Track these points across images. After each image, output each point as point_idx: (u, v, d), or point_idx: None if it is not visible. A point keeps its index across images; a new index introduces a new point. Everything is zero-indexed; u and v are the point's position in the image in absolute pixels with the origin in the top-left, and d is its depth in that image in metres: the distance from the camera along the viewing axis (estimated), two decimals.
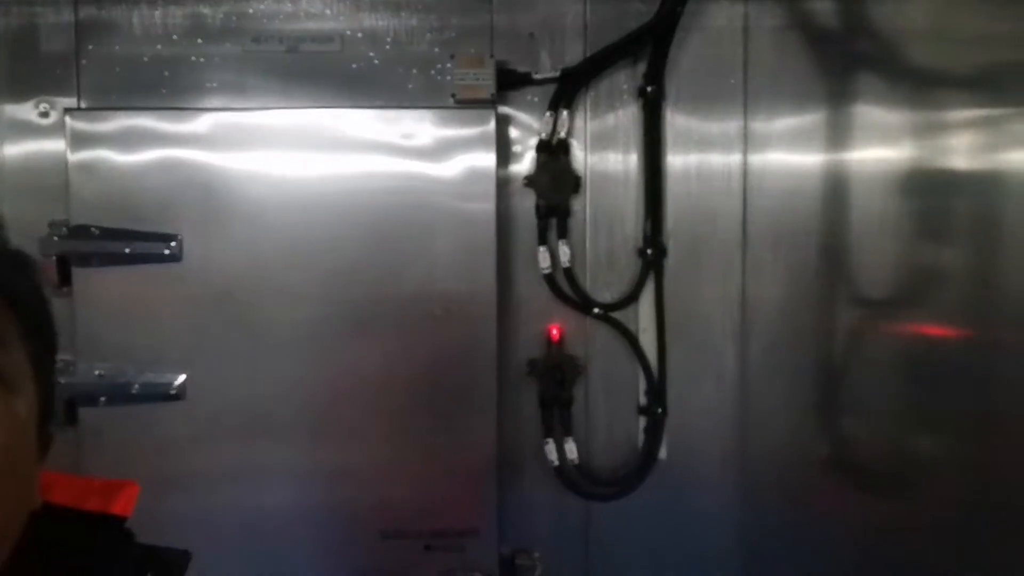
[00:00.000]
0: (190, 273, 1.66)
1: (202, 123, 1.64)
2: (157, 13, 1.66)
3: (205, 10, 1.66)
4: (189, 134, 1.64)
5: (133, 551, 0.62)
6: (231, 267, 1.66)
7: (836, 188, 1.73)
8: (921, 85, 1.70)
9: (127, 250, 1.64)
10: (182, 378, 1.68)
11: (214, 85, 1.67)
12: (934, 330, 1.73)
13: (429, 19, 1.68)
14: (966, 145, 1.68)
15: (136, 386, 1.67)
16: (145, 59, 1.67)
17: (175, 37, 1.67)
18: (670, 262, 1.75)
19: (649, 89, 1.69)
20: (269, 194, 1.65)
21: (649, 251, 1.72)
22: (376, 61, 1.68)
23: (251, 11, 1.67)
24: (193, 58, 1.67)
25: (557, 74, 1.67)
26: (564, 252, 1.71)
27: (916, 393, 1.74)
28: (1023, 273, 1.68)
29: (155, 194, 1.65)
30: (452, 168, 1.64)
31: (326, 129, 1.65)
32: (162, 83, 1.67)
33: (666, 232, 1.74)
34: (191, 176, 1.64)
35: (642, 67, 1.70)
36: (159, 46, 1.67)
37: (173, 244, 1.65)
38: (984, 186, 1.69)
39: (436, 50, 1.67)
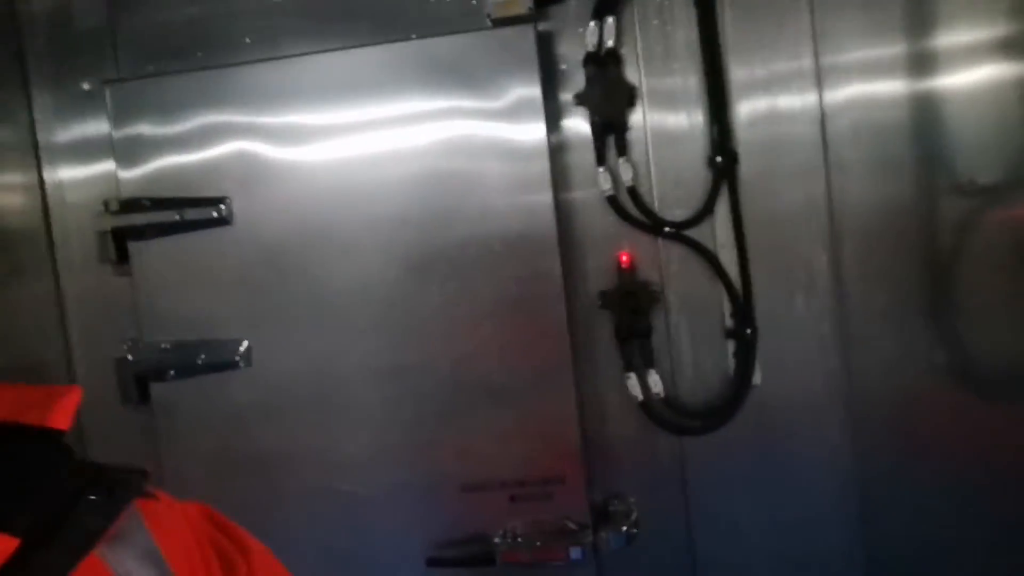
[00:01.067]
0: (242, 235, 1.62)
1: (240, 81, 1.60)
2: None
3: None
4: (228, 94, 1.60)
5: (72, 467, 0.54)
6: (281, 225, 1.62)
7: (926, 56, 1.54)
8: None
9: (177, 217, 1.61)
10: (245, 344, 1.63)
11: (249, 40, 1.63)
12: None
13: None
14: None
15: (202, 356, 1.64)
16: (178, 23, 1.63)
17: None
18: (743, 169, 1.60)
19: None
20: (312, 147, 1.60)
21: (719, 159, 1.58)
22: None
23: None
24: (225, 14, 1.62)
25: None
26: (626, 171, 1.59)
27: None
28: None
29: (200, 159, 1.62)
30: (496, 96, 1.55)
31: (363, 71, 1.58)
32: (197, 45, 1.63)
33: (736, 139, 1.59)
34: (234, 137, 1.60)
35: None
36: (191, 7, 1.63)
37: (222, 207, 1.61)
38: None
39: None
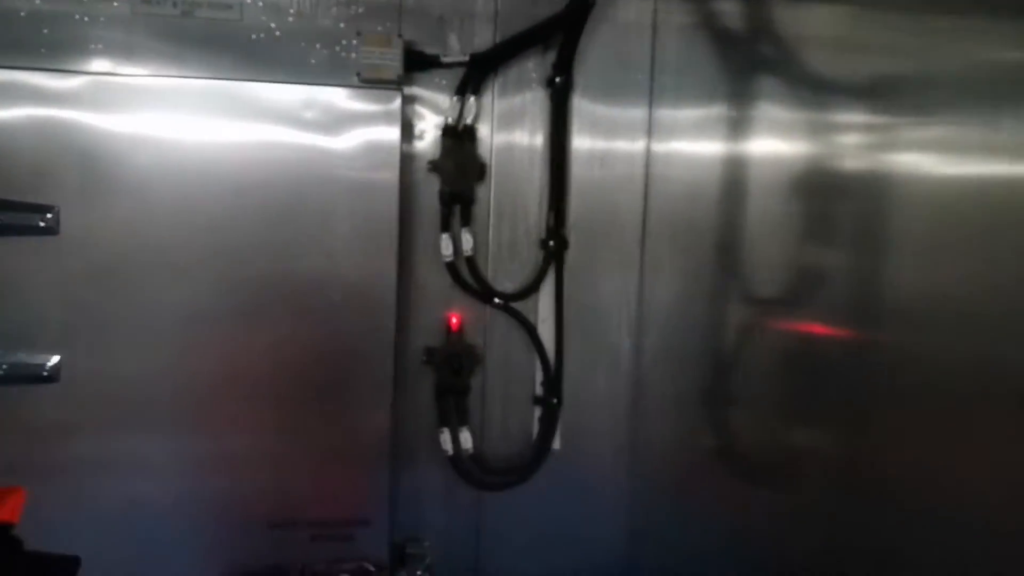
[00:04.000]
0: (68, 247, 1.56)
1: (85, 84, 1.53)
2: None
3: None
4: (69, 94, 1.53)
5: (20, 559, 0.57)
6: (113, 242, 1.57)
7: (732, 187, 1.77)
8: (817, 90, 1.75)
9: None
10: (56, 359, 1.57)
11: (99, 47, 1.56)
12: (817, 328, 1.81)
13: None
14: (854, 148, 1.75)
15: (4, 366, 1.56)
16: (22, 14, 1.54)
17: None
18: (571, 254, 1.75)
19: (558, 79, 1.68)
20: (156, 165, 1.56)
21: (551, 243, 1.72)
22: (278, 33, 1.60)
23: None
24: (77, 16, 1.55)
25: (466, 58, 1.64)
26: (467, 240, 1.69)
27: (798, 388, 1.81)
28: (901, 276, 1.77)
29: (30, 159, 1.54)
30: (354, 151, 1.60)
31: (221, 99, 1.57)
32: (41, 41, 1.54)
33: (568, 224, 1.74)
34: (70, 141, 1.54)
35: (551, 56, 1.69)
36: (38, 1, 1.54)
37: (49, 216, 1.54)
38: (869, 189, 1.77)
39: (342, 25, 1.61)
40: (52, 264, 1.55)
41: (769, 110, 1.71)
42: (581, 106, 1.72)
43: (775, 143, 1.73)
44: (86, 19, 1.55)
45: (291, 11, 1.60)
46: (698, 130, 1.76)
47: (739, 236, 1.77)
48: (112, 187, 1.55)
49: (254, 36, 1.60)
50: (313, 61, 1.61)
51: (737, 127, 1.76)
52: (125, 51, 1.57)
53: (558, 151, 1.70)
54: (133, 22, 1.56)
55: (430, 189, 1.69)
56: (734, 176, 1.78)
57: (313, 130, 1.58)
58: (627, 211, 1.77)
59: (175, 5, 1.57)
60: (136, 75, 1.56)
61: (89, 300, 1.57)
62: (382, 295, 1.63)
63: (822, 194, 1.76)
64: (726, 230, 1.79)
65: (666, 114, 1.75)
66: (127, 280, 1.57)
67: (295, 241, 1.60)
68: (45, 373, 1.57)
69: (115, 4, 1.56)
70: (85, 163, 1.54)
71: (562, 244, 1.73)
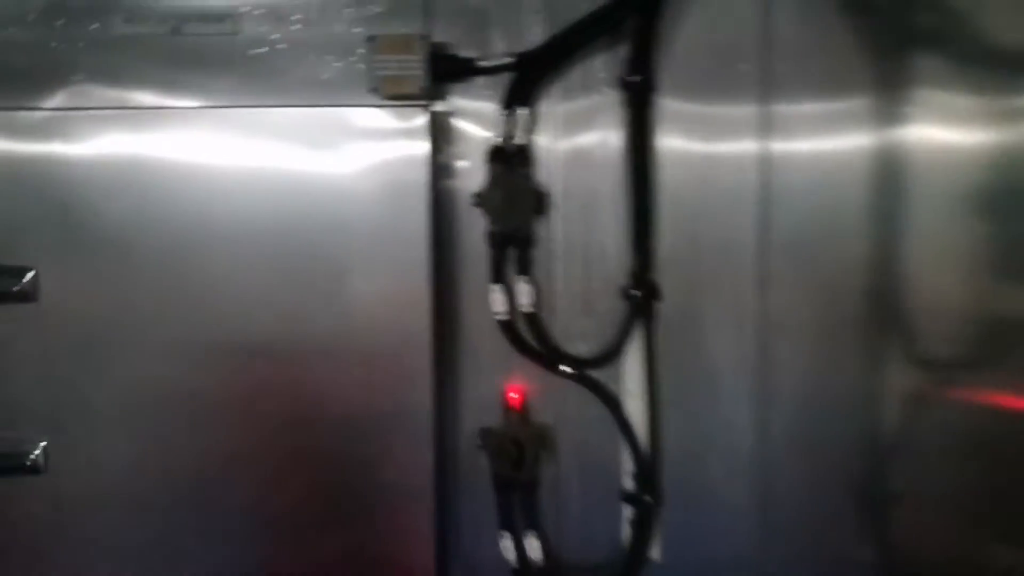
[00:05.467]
0: (48, 313, 1.30)
1: (61, 120, 1.28)
2: None
3: None
4: (43, 133, 1.29)
5: None
6: (98, 308, 1.31)
7: (885, 204, 1.30)
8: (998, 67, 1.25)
9: None
10: (41, 446, 1.32)
11: (79, 77, 1.31)
12: (1017, 401, 1.29)
13: None
14: None
15: None
16: None
17: (29, 17, 1.30)
18: (665, 305, 1.33)
19: (634, 79, 1.28)
20: (145, 215, 1.29)
21: (637, 291, 1.31)
22: (281, 45, 1.30)
23: None
24: (53, 44, 1.30)
25: (513, 59, 1.27)
26: (525, 292, 1.31)
27: (990, 483, 1.29)
28: None
29: (6, 219, 1.30)
30: (374, 186, 1.27)
31: (217, 131, 1.28)
32: (11, 75, 1.30)
33: (659, 267, 1.32)
34: (44, 188, 1.29)
35: (624, 49, 1.29)
36: (9, 28, 1.30)
37: (25, 280, 1.29)
38: None
39: (357, 30, 1.29)
40: (31, 334, 1.30)
41: (933, 97, 1.23)
42: (668, 109, 1.31)
43: (943, 142, 1.24)
44: (63, 46, 1.30)
45: (295, 18, 1.29)
46: (830, 127, 1.31)
47: (899, 272, 1.30)
48: (95, 242, 1.29)
49: (253, 52, 1.30)
50: (324, 77, 1.30)
51: (886, 122, 1.29)
52: (108, 79, 1.30)
53: (640, 170, 1.30)
54: (115, 45, 1.30)
55: (478, 229, 1.32)
56: (886, 188, 1.30)
57: (323, 164, 1.27)
58: (738, 242, 1.33)
59: (162, 21, 1.30)
60: (119, 108, 1.30)
61: (74, 376, 1.30)
62: (414, 366, 1.27)
63: (1017, 211, 1.25)
64: (879, 264, 1.31)
65: (785, 111, 1.30)
66: (115, 352, 1.30)
67: (305, 302, 1.28)
68: (29, 463, 1.32)
69: (95, 27, 1.30)
70: (63, 215, 1.29)
71: (651, 292, 1.32)
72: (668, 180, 1.32)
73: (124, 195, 1.28)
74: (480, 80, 1.31)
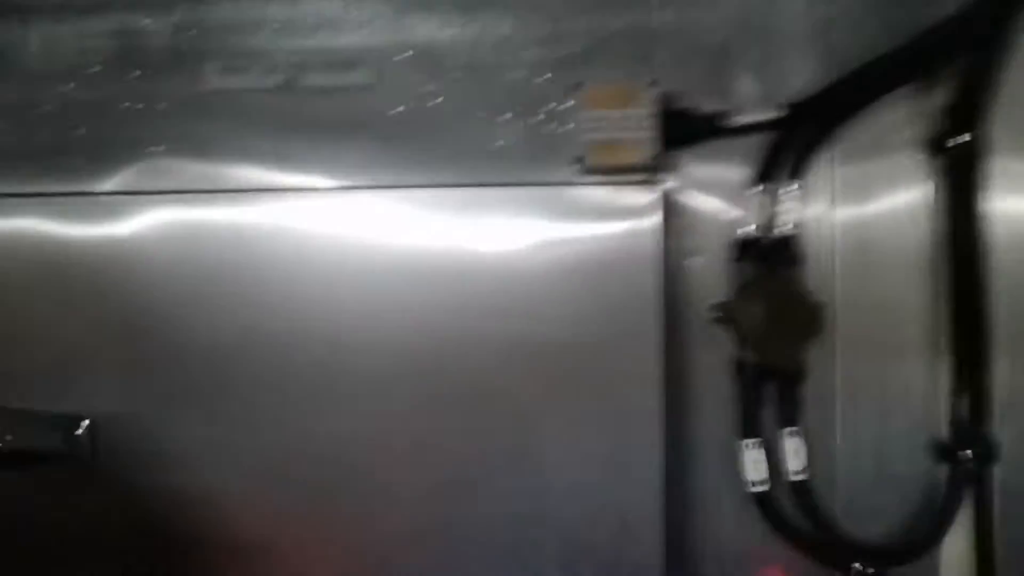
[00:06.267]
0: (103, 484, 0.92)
1: (128, 211, 0.91)
2: (65, 29, 0.95)
3: (145, 21, 0.94)
4: (106, 229, 0.91)
5: None
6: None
7: None
8: None
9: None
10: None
11: (157, 148, 0.94)
12: None
13: (534, 22, 0.91)
14: None
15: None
16: (46, 108, 0.95)
17: (92, 68, 0.95)
18: (1002, 473, 0.89)
19: (958, 137, 0.86)
20: (255, 339, 0.90)
21: (965, 450, 0.87)
22: (437, 99, 0.91)
23: (221, 20, 0.94)
24: (124, 104, 0.94)
25: (781, 113, 0.86)
26: (793, 451, 0.88)
27: None
28: None
29: (54, 348, 0.92)
30: (582, 301, 0.86)
31: (350, 217, 0.89)
32: (68, 146, 0.95)
33: (997, 412, 0.88)
34: (109, 306, 0.91)
35: (938, 98, 0.87)
36: (66, 84, 0.95)
37: (79, 432, 0.92)
38: None
39: (546, 77, 0.90)
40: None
41: None
42: (1004, 174, 0.88)
43: None
44: (139, 107, 0.94)
45: (454, 63, 0.91)
46: None
47: None
48: (178, 376, 0.90)
49: (398, 109, 0.92)
50: (499, 143, 0.91)
51: None
52: (195, 151, 0.94)
53: (968, 264, 0.87)
54: (207, 106, 0.93)
55: (714, 355, 0.90)
56: None
57: (499, 274, 0.86)
58: None
59: (271, 71, 0.92)
60: (212, 191, 0.92)
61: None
62: (644, 549, 0.85)
63: None
64: None
65: None
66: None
67: (504, 467, 0.87)
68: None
69: (181, 80, 0.93)
70: (130, 336, 0.90)
71: (986, 451, 0.87)
72: (1008, 278, 0.89)
73: (223, 309, 0.89)
74: (715, 146, 0.91)
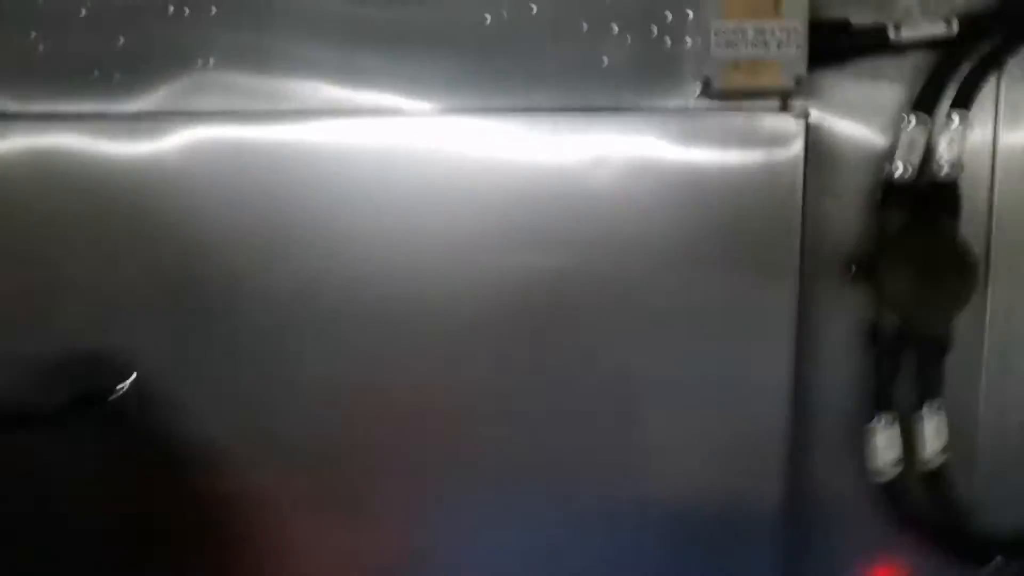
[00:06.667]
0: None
1: (172, 132, 0.79)
2: None
3: None
4: (145, 152, 0.79)
5: None
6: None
7: None
8: None
9: None
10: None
11: (208, 64, 0.81)
12: None
13: None
14: None
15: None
16: (80, 14, 0.83)
17: None
18: None
19: None
20: (336, 291, 0.79)
21: None
22: (534, 8, 0.77)
23: None
24: (172, 8, 0.81)
25: (951, 31, 0.71)
26: (934, 430, 0.76)
27: None
28: None
29: (94, 285, 0.82)
30: (707, 243, 0.73)
31: (432, 152, 0.76)
32: (112, 59, 0.82)
33: None
34: (163, 251, 0.80)
35: None
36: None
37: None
38: None
39: None
40: None
41: None
42: None
43: None
44: (185, 13, 0.81)
45: None
46: None
47: None
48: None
49: (486, 21, 0.78)
50: (606, 61, 0.77)
51: None
52: (251, 64, 0.81)
53: None
54: (262, 13, 0.80)
55: (843, 315, 0.78)
56: None
57: (608, 212, 0.74)
58: None
59: None
60: (258, 115, 0.80)
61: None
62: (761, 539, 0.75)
63: None
64: None
65: None
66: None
67: (613, 420, 0.77)
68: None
69: None
70: (185, 282, 0.80)
71: None
72: None
73: (283, 244, 0.78)
74: (858, 68, 0.76)
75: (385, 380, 0.78)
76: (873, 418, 0.77)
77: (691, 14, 0.75)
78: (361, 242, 0.77)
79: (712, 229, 0.72)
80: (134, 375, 0.79)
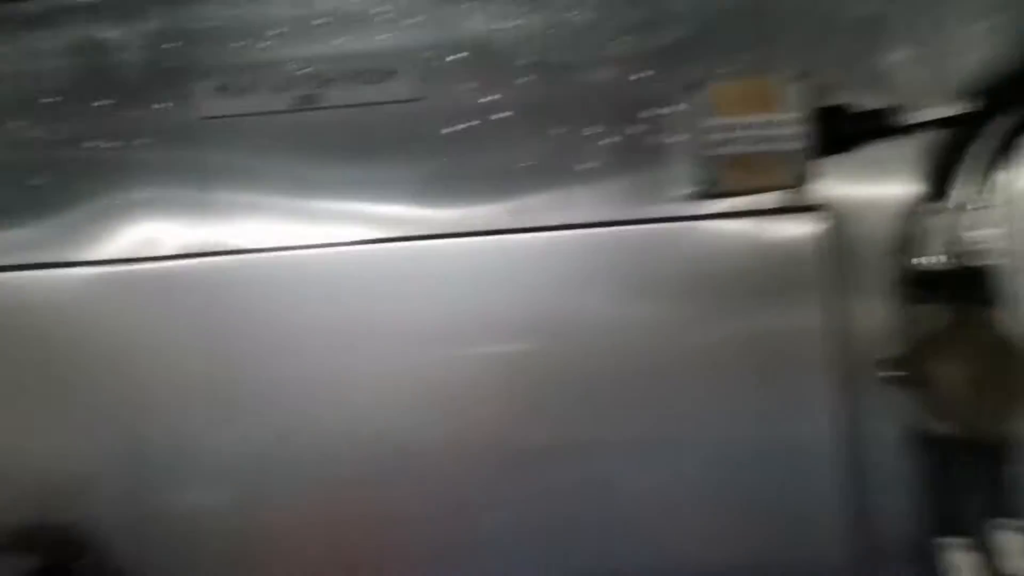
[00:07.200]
0: None
1: (117, 287, 0.69)
2: (9, 48, 0.74)
3: (112, 33, 0.73)
4: (87, 309, 0.69)
5: None
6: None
7: None
8: None
9: None
10: None
11: (143, 195, 0.72)
12: None
13: (620, 3, 0.70)
14: None
15: None
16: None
17: (56, 98, 0.73)
18: None
19: None
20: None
21: None
22: (501, 115, 0.70)
23: (212, 25, 0.72)
24: (86, 143, 0.72)
25: (973, 106, 0.65)
26: (1016, 548, 0.66)
27: None
28: None
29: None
30: (731, 360, 0.65)
31: (383, 276, 0.67)
32: (43, 197, 0.73)
33: None
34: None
35: None
36: (20, 120, 0.73)
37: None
38: None
39: (647, 75, 0.69)
40: None
41: None
42: None
43: None
44: (115, 146, 0.72)
45: (524, 64, 0.69)
46: None
47: None
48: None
49: (454, 128, 0.70)
50: (578, 166, 0.68)
51: None
52: (196, 204, 0.71)
53: None
54: (202, 134, 0.72)
55: (887, 426, 0.69)
56: None
57: (604, 339, 0.64)
58: None
59: (285, 87, 0.71)
60: (226, 252, 0.70)
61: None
62: None
63: None
64: None
65: None
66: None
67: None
68: None
69: (165, 106, 0.71)
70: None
71: None
72: None
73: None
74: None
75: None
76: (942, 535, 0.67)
77: (680, 108, 0.68)
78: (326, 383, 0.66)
79: (734, 343, 0.63)
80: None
